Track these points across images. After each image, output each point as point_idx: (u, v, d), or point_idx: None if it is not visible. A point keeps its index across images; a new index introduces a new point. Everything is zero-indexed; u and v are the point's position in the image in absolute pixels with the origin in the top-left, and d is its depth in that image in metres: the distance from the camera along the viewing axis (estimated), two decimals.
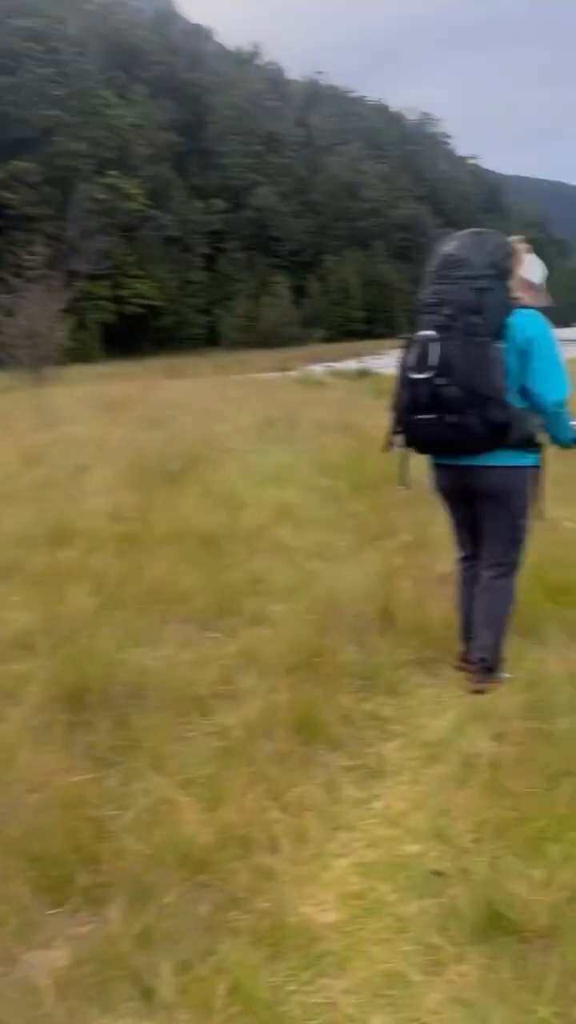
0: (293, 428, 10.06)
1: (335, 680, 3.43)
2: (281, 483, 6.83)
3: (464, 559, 3.77)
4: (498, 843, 2.40)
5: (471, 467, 3.34)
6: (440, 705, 3.42)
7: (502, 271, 3.22)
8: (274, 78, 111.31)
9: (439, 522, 6.07)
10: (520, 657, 3.74)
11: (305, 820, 2.63)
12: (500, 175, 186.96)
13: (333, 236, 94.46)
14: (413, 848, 2.51)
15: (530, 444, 3.32)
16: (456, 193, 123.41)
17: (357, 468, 7.54)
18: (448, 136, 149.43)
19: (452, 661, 3.87)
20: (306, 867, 2.44)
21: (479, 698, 3.33)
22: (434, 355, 3.15)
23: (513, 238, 3.44)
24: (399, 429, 3.39)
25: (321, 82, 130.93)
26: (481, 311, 3.13)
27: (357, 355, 55.33)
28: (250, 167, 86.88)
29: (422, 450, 3.46)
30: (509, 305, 3.23)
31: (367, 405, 16.01)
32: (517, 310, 3.26)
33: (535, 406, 3.28)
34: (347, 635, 3.84)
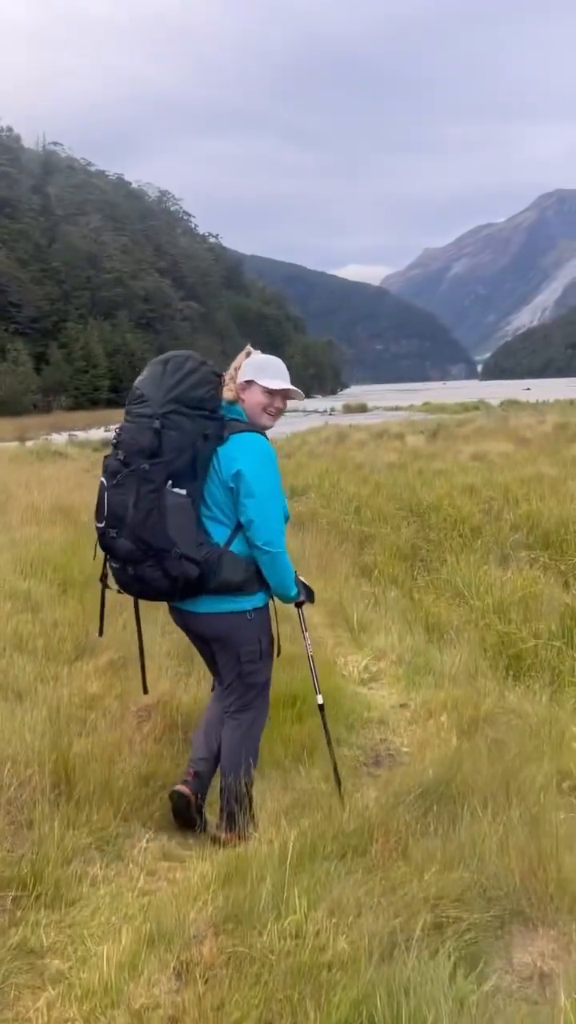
0: (1, 514, 8.92)
1: None
2: None
3: (214, 690, 3.42)
4: None
5: (186, 611, 3.07)
6: (118, 915, 2.62)
7: (192, 402, 2.87)
8: (8, 144, 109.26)
9: (155, 631, 5.36)
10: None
11: None
12: (241, 254, 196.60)
13: (76, 304, 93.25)
14: None
15: (246, 587, 3.00)
16: (197, 268, 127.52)
17: (68, 565, 6.64)
18: (189, 214, 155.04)
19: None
20: None
21: (163, 903, 2.57)
22: (105, 504, 2.86)
23: (246, 350, 3.15)
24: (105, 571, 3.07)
25: (60, 153, 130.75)
26: (157, 454, 2.81)
27: (105, 424, 54.34)
28: None
29: (124, 589, 3.05)
30: (212, 436, 2.91)
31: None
32: (231, 437, 2.94)
33: (250, 545, 2.98)
34: (1, 824, 2.93)
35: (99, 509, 2.89)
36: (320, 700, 3.41)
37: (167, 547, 2.80)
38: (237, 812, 3.07)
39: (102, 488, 2.88)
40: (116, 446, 2.87)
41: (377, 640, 6.65)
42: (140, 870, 2.88)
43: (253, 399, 3.05)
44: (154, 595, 2.96)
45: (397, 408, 54.95)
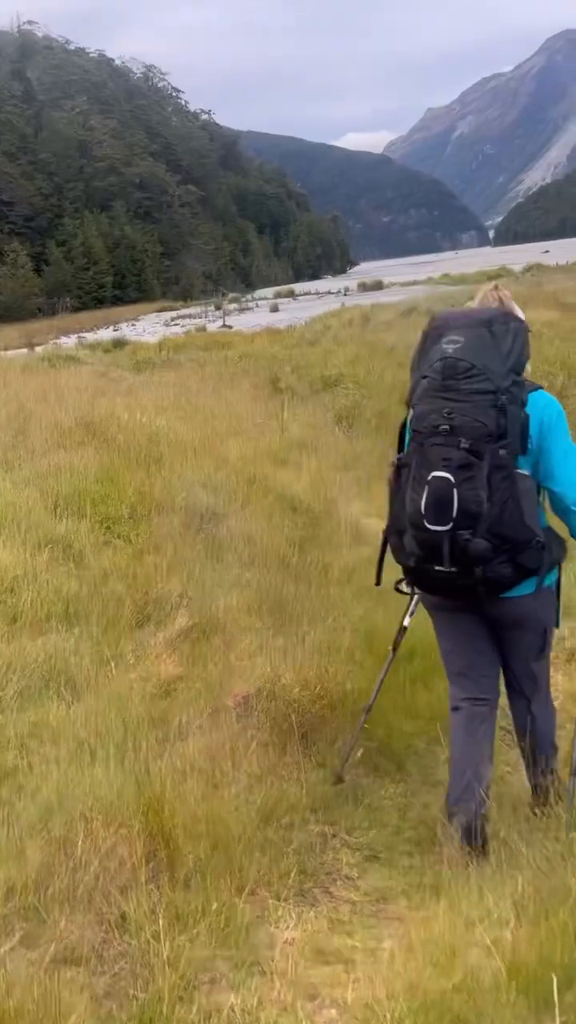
0: (22, 436, 7.82)
1: None
2: None
3: (469, 699, 2.77)
4: None
5: (496, 599, 2.64)
6: None
7: (521, 368, 2.52)
8: None
9: (228, 581, 4.37)
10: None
11: None
12: (236, 131, 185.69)
13: (70, 198, 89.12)
14: None
15: (556, 564, 2.67)
16: (191, 149, 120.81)
17: (108, 496, 5.61)
18: (178, 90, 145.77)
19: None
20: None
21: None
22: (454, 503, 2.43)
23: (489, 287, 2.81)
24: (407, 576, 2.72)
25: (36, 32, 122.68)
26: (505, 435, 2.43)
27: (113, 323, 52.35)
28: None
29: (433, 594, 2.71)
30: (524, 401, 2.52)
31: (123, 385, 13.89)
32: (528, 396, 2.53)
33: (555, 508, 2.62)
34: (84, 926, 1.99)
35: (439, 509, 2.43)
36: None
37: (528, 538, 2.44)
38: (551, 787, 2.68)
39: (447, 484, 2.41)
40: (451, 433, 2.42)
41: None
42: (292, 992, 1.95)
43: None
44: (487, 594, 2.55)
45: (415, 282, 52.08)
